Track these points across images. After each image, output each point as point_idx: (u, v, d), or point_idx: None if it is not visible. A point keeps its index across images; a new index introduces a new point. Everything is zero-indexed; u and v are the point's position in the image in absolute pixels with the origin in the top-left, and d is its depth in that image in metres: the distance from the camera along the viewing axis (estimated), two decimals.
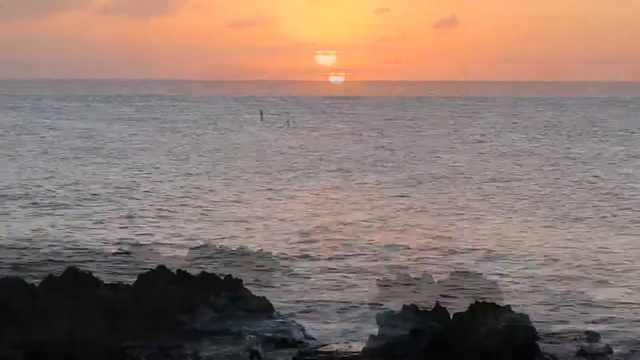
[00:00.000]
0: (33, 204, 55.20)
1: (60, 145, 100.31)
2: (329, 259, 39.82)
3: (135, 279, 29.24)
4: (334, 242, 43.30)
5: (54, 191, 60.97)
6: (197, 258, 39.21)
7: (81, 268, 29.79)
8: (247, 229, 46.94)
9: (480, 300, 25.66)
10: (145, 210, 53.67)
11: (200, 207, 54.96)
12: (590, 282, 35.81)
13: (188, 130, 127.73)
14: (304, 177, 71.17)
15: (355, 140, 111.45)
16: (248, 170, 75.97)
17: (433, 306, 25.75)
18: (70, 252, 40.73)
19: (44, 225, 47.85)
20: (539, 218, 51.35)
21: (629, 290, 34.37)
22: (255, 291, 29.99)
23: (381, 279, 35.67)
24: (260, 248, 41.34)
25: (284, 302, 31.64)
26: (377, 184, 66.62)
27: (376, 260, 39.37)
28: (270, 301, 29.43)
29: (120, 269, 37.19)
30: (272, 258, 39.18)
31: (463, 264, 38.45)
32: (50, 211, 52.63)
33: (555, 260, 39.70)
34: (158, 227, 47.74)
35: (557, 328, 28.75)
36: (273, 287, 34.15)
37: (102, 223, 48.92)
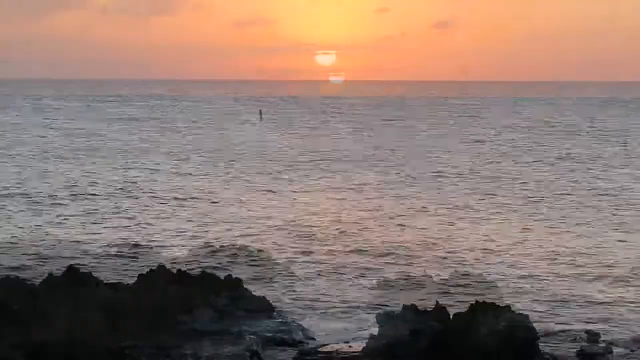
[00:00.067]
0: (33, 203, 55.18)
1: (60, 145, 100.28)
2: (329, 258, 39.82)
3: (135, 279, 29.26)
4: (334, 242, 43.30)
5: (53, 191, 60.96)
6: (197, 258, 39.23)
7: (81, 268, 29.79)
8: (247, 228, 46.92)
9: (480, 300, 25.67)
10: (146, 210, 53.67)
11: (200, 207, 54.96)
12: (590, 282, 35.80)
13: (188, 130, 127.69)
14: (304, 177, 71.15)
15: (355, 140, 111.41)
16: (248, 170, 75.96)
17: (433, 306, 25.77)
18: (70, 252, 40.74)
19: (44, 225, 47.84)
20: (539, 218, 51.34)
21: (629, 290, 34.37)
22: (255, 291, 30.01)
23: (381, 279, 35.68)
24: (260, 248, 41.35)
25: (284, 302, 31.65)
26: (377, 184, 66.60)
27: (376, 260, 39.36)
28: (270, 301, 29.45)
29: (120, 269, 37.20)
30: (272, 258, 39.18)
31: (463, 264, 38.45)
32: (50, 211, 52.61)
33: (555, 260, 39.70)
34: (158, 227, 47.73)
35: (557, 328, 28.75)
36: (273, 287, 34.15)
37: (102, 223, 48.92)
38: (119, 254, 40.40)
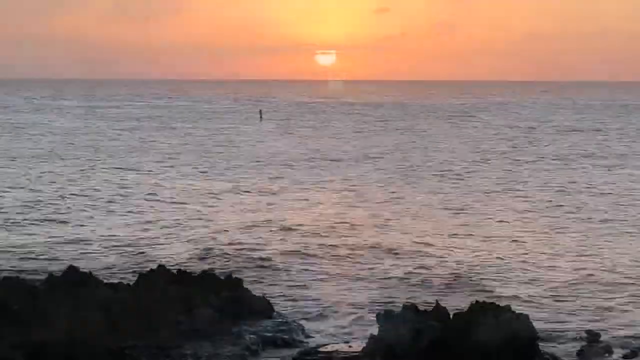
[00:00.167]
0: (33, 203, 55.17)
1: (60, 145, 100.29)
2: (329, 259, 39.79)
3: (135, 279, 29.25)
4: (334, 242, 43.27)
5: (53, 191, 60.96)
6: (197, 258, 39.22)
7: (81, 268, 29.78)
8: (247, 228, 46.90)
9: (480, 300, 25.66)
10: (145, 210, 53.67)
11: (200, 207, 54.94)
12: (591, 281, 35.77)
13: (188, 131, 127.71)
14: (304, 177, 71.14)
15: (355, 140, 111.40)
16: (248, 170, 75.98)
17: (433, 306, 25.75)
18: (70, 252, 40.75)
19: (44, 225, 47.84)
20: (539, 218, 51.33)
21: (629, 290, 34.34)
22: (255, 291, 30.01)
23: (381, 279, 35.67)
24: (260, 248, 41.34)
25: (284, 302, 31.65)
26: (377, 184, 66.59)
27: (376, 260, 39.34)
28: (270, 301, 29.45)
29: (120, 269, 37.20)
30: (272, 258, 39.17)
31: (463, 264, 38.43)
32: (50, 211, 52.60)
33: (555, 260, 39.67)
34: (158, 227, 47.70)
35: (557, 328, 28.74)
36: (273, 287, 34.15)
37: (102, 223, 48.90)
38: (119, 254, 40.40)
